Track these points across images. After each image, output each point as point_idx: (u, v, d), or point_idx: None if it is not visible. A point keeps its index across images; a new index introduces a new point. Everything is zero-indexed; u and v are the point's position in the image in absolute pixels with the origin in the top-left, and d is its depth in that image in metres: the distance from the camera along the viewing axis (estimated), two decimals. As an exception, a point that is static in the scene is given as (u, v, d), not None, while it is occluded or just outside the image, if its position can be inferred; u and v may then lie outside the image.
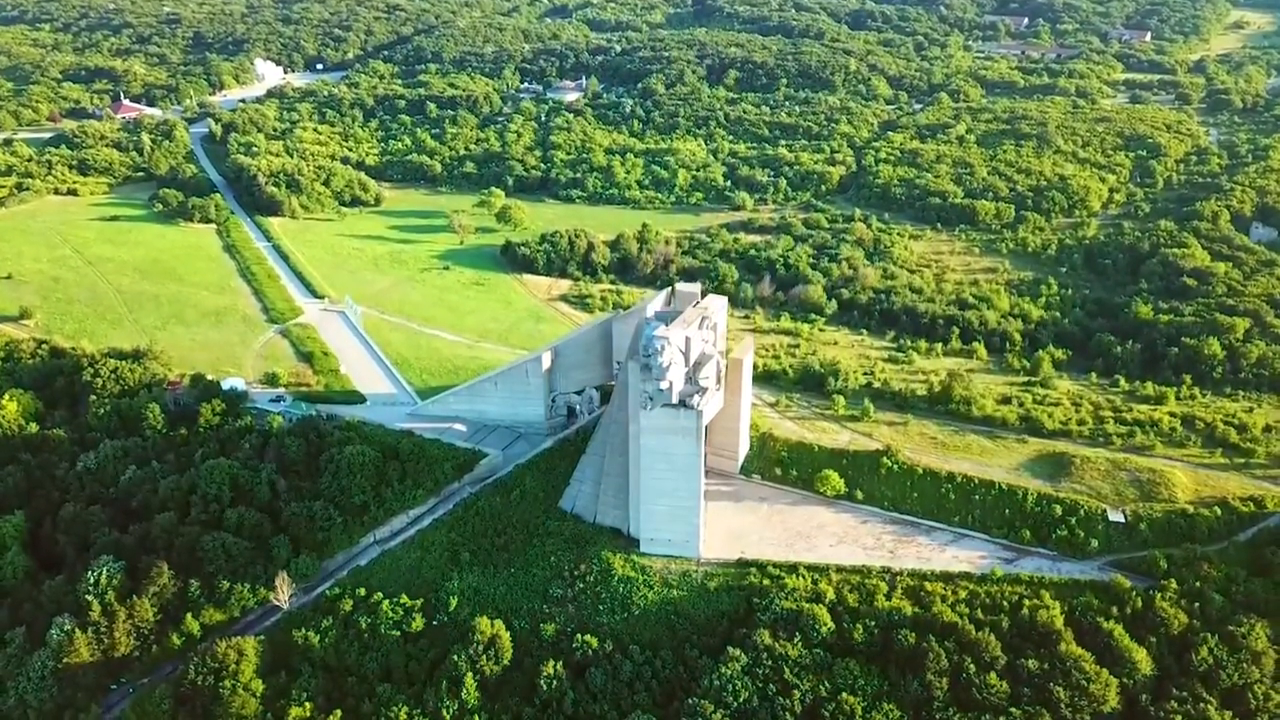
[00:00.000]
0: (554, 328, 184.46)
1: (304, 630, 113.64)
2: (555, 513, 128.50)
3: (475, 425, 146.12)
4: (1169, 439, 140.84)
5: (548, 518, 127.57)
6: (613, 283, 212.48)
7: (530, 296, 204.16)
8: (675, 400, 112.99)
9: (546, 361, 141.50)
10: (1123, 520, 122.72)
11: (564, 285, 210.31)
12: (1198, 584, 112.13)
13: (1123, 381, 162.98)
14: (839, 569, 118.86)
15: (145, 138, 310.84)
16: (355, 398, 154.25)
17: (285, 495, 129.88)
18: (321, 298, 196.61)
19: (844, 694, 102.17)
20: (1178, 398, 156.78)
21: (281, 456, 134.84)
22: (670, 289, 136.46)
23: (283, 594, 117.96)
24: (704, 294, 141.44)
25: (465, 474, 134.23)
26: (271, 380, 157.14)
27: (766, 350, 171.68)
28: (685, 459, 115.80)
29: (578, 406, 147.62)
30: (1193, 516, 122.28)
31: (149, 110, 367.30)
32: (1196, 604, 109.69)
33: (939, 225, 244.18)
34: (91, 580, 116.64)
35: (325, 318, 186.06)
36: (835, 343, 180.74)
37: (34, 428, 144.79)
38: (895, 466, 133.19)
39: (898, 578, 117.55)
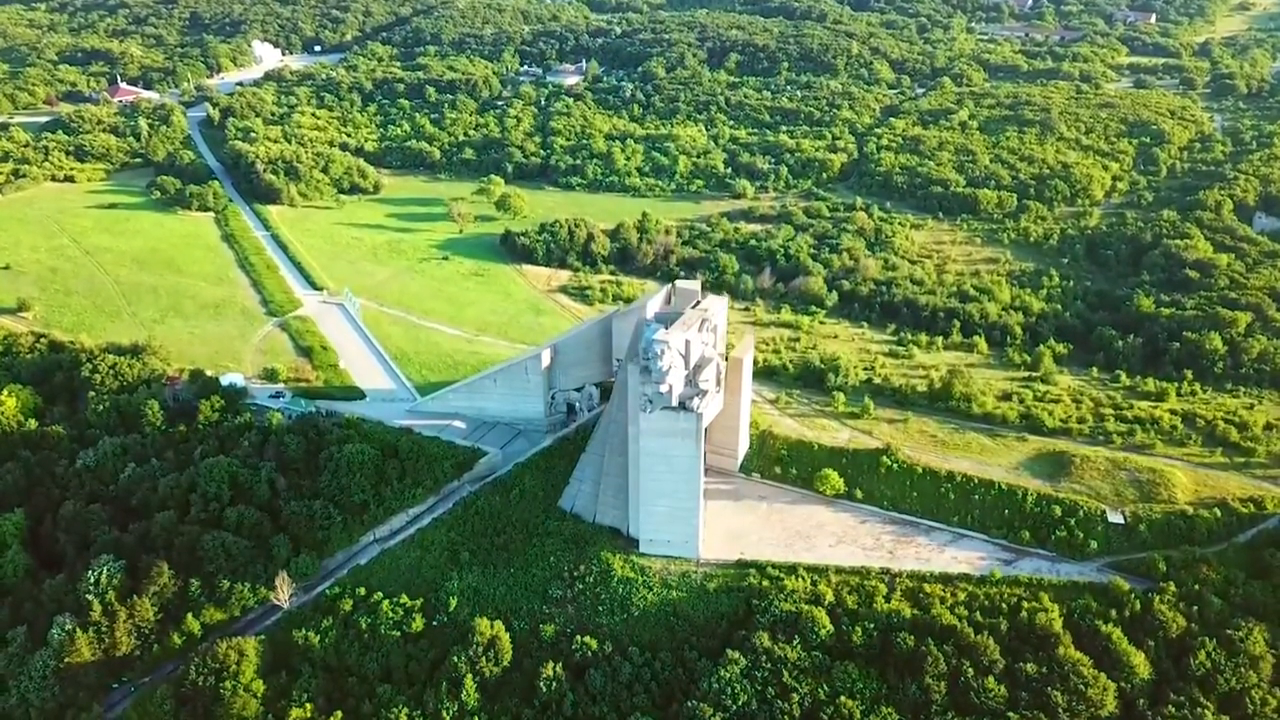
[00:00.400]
0: (554, 320, 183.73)
1: (304, 630, 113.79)
2: (555, 512, 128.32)
3: (475, 422, 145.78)
4: (1169, 437, 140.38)
5: (547, 517, 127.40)
6: (613, 273, 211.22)
7: (530, 288, 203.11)
8: (675, 403, 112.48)
9: (546, 359, 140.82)
10: (1122, 521, 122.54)
11: (563, 276, 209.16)
12: (1196, 587, 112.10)
13: (1123, 377, 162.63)
14: (838, 570, 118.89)
15: (142, 123, 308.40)
16: (354, 393, 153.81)
17: (285, 494, 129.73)
18: (321, 289, 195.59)
19: (843, 697, 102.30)
20: (1179, 394, 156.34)
21: (281, 454, 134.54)
22: (670, 286, 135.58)
23: (283, 594, 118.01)
24: (704, 286, 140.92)
25: (465, 472, 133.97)
26: (271, 376, 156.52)
27: (766, 345, 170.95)
28: (685, 461, 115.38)
29: (577, 403, 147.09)
30: (1192, 518, 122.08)
31: (146, 93, 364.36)
32: (1195, 607, 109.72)
33: (940, 214, 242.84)
34: (92, 580, 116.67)
35: (324, 310, 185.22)
36: (835, 336, 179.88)
37: (33, 424, 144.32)
38: (895, 465, 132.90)
39: (897, 579, 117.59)
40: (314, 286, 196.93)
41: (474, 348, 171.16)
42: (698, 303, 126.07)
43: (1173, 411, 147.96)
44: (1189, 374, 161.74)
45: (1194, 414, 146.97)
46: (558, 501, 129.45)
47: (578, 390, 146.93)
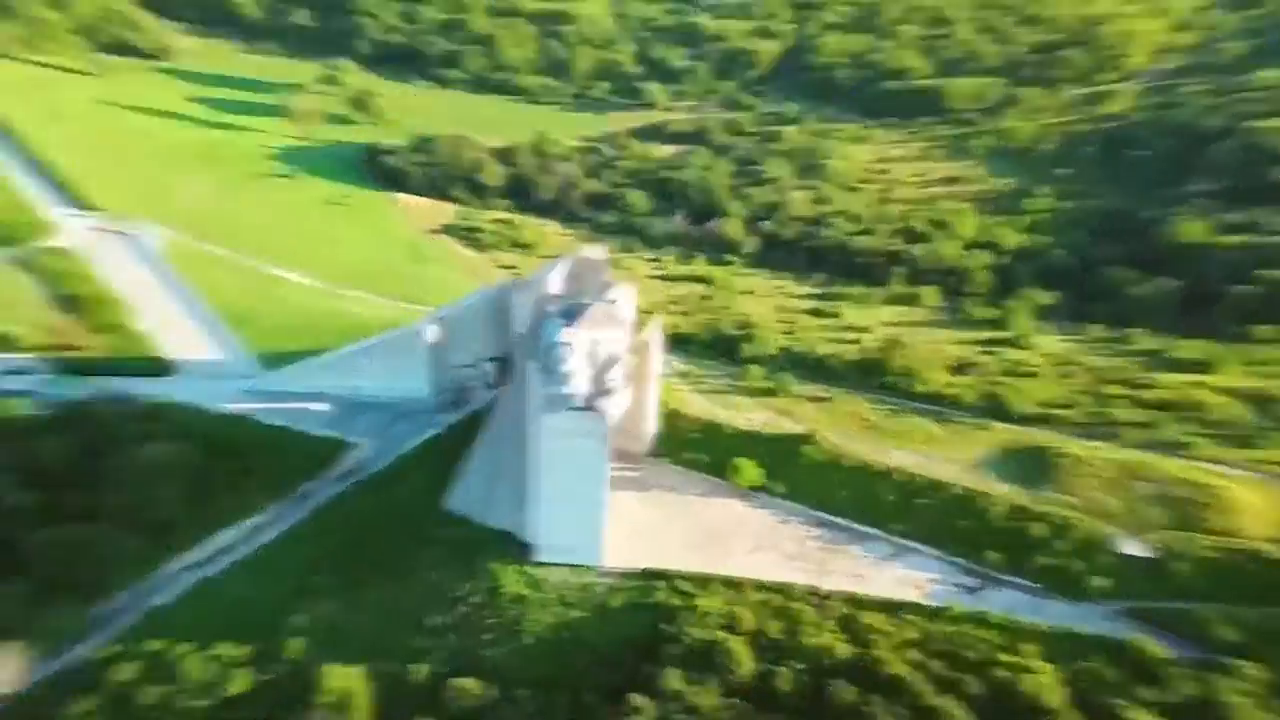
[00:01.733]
0: (440, 271, 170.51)
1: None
2: (438, 516, 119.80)
3: (342, 404, 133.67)
4: (1221, 432, 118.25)
5: (429, 523, 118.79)
6: (507, 210, 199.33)
7: (407, 225, 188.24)
8: (580, 404, 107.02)
9: (434, 333, 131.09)
10: (1143, 554, 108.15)
11: (449, 211, 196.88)
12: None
13: (1142, 338, 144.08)
14: (758, 586, 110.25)
15: None
16: (158, 367, 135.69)
17: (29, 518, 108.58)
18: (90, 210, 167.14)
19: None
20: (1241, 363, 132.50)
21: (31, 463, 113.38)
22: (575, 256, 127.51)
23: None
24: (611, 229, 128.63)
25: (325, 470, 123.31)
26: (6, 342, 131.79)
27: (676, 304, 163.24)
28: (589, 464, 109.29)
29: (469, 382, 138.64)
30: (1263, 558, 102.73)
31: None
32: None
33: (895, 117, 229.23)
34: None
35: (100, 241, 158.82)
36: (753, 291, 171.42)
37: None
38: (818, 456, 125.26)
39: (827, 601, 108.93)
40: (79, 205, 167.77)
41: (336, 305, 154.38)
42: (606, 286, 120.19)
43: (1228, 390, 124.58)
44: (1257, 331, 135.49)
45: (1265, 395, 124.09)
46: (442, 503, 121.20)
47: (470, 367, 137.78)
